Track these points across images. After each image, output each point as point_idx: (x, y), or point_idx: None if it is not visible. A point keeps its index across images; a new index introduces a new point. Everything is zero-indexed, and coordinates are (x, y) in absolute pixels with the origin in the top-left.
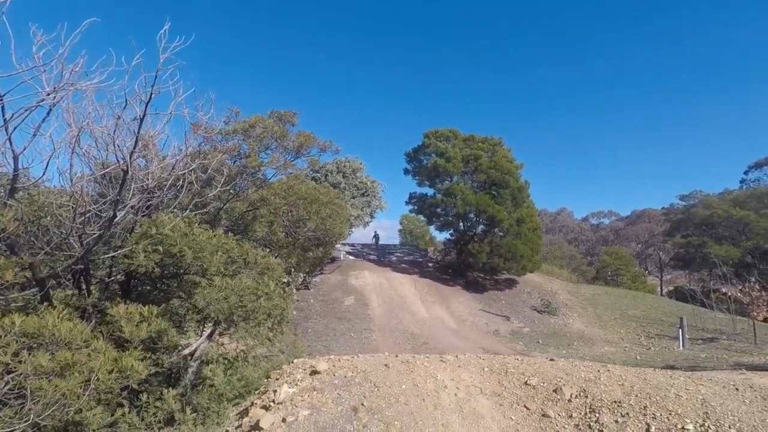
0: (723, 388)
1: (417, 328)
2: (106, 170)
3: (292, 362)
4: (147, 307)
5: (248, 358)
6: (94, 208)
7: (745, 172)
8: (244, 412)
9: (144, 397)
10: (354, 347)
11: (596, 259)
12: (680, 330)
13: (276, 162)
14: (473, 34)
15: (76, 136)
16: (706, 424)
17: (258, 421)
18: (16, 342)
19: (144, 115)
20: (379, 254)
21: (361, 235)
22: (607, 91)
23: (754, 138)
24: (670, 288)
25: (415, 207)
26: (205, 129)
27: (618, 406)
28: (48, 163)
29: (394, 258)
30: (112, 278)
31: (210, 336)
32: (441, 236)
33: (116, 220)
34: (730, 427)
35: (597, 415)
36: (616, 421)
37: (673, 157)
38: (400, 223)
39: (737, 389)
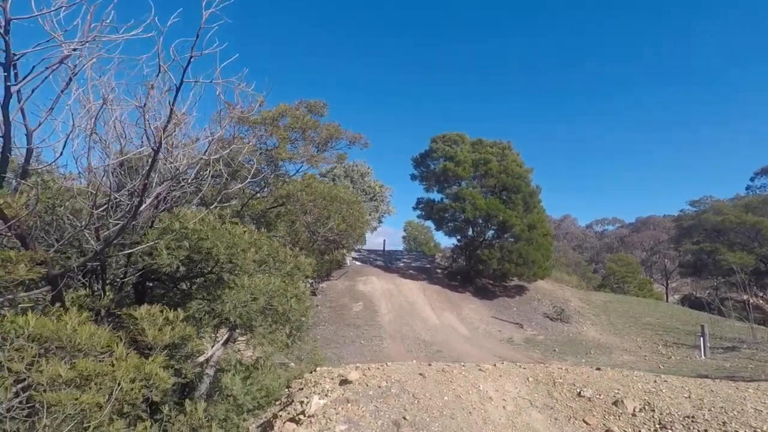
0: None
1: (428, 335)
2: (127, 156)
3: (315, 371)
4: (173, 310)
5: (266, 366)
6: (118, 195)
7: (752, 179)
8: (267, 425)
9: (165, 409)
10: (365, 355)
11: (601, 267)
12: (702, 338)
13: (305, 155)
14: (477, 36)
15: (98, 113)
16: None
17: None
18: (31, 347)
19: (181, 84)
20: (386, 260)
21: (368, 240)
22: (611, 96)
23: (760, 143)
24: (676, 296)
25: (423, 212)
26: (240, 110)
27: (692, 421)
28: (66, 142)
29: (402, 264)
30: (126, 278)
31: (226, 342)
32: (446, 243)
33: (142, 208)
34: None
35: (669, 431)
36: None
37: (678, 163)
38: (404, 230)
39: None
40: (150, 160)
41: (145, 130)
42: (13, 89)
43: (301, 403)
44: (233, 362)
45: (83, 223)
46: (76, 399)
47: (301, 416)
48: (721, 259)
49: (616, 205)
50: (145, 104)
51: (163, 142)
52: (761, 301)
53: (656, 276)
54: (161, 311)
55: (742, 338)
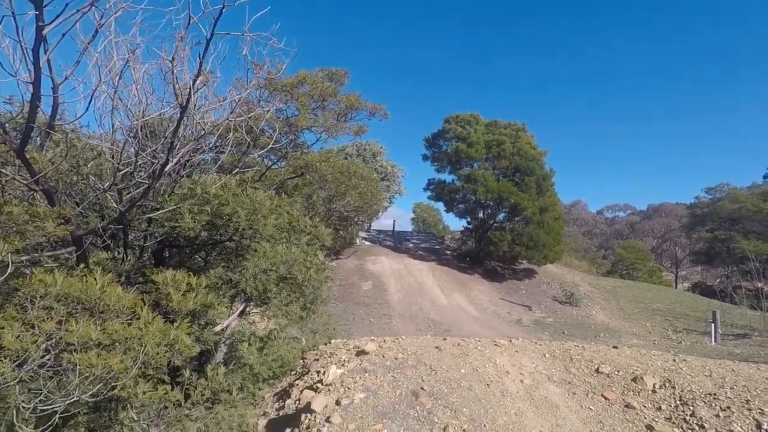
0: None
1: (437, 315)
2: (152, 116)
3: (329, 343)
4: (196, 277)
5: (281, 337)
6: (144, 154)
7: None
8: (284, 394)
9: (186, 373)
10: (375, 333)
11: (610, 253)
12: (713, 324)
13: (326, 123)
14: (495, 17)
15: (121, 70)
16: None
17: (309, 404)
18: (59, 308)
19: (212, 35)
20: (395, 240)
21: (377, 221)
22: (628, 79)
23: None
24: (686, 284)
25: (433, 193)
26: (268, 70)
27: (714, 398)
28: (91, 98)
29: (411, 245)
30: (147, 244)
31: (242, 313)
32: (455, 225)
33: (168, 168)
34: None
35: (691, 408)
36: (717, 416)
37: (694, 152)
38: (413, 212)
39: None
40: (178, 117)
41: (174, 85)
42: (45, 30)
43: (318, 372)
44: (248, 334)
45: (107, 184)
46: (107, 361)
47: (319, 385)
48: (736, 247)
49: (628, 191)
50: (173, 58)
51: (193, 96)
52: None
53: (666, 264)
54: (184, 277)
55: (754, 326)
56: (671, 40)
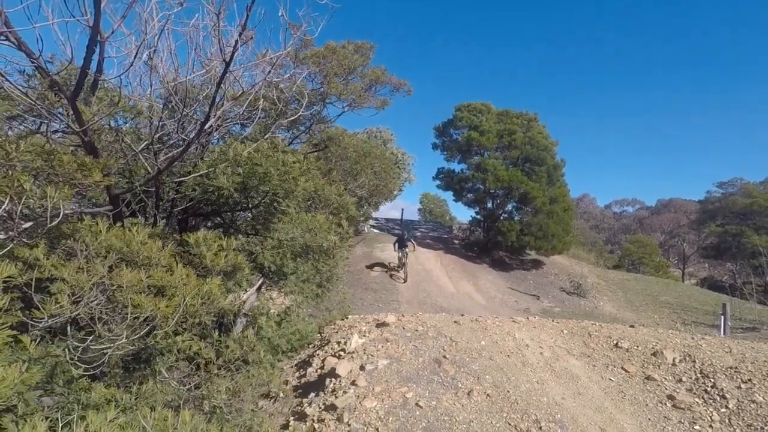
0: None
1: (445, 302)
2: (183, 80)
3: (346, 318)
4: (226, 239)
5: (298, 313)
6: (187, 111)
7: None
8: (304, 363)
9: (215, 334)
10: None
11: (617, 248)
12: (723, 317)
13: (354, 92)
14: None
15: (164, 25)
16: None
17: (333, 369)
18: (110, 255)
19: None
20: (403, 229)
21: (384, 210)
22: (641, 73)
23: None
24: (692, 281)
25: (442, 182)
26: (304, 33)
27: (735, 372)
28: (137, 53)
29: (419, 233)
30: (176, 209)
31: (259, 288)
32: (462, 216)
33: (208, 125)
34: None
35: (712, 380)
36: (738, 387)
37: (705, 146)
38: (420, 202)
39: None
40: (221, 73)
41: (219, 39)
42: None
43: (338, 343)
44: (265, 309)
45: (143, 144)
46: (156, 305)
47: (342, 353)
48: (746, 242)
49: (637, 186)
50: (219, 12)
51: (235, 53)
52: None
53: (674, 260)
54: (215, 238)
55: (763, 320)
56: (682, 34)
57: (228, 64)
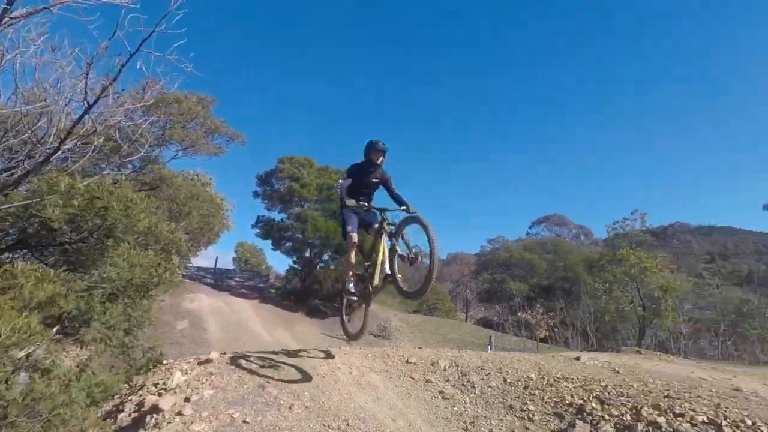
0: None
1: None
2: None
3: (161, 363)
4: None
5: (101, 362)
6: (30, 132)
7: (530, 227)
8: (115, 411)
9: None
10: None
11: None
12: (489, 347)
13: (194, 139)
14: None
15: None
16: (542, 374)
17: (155, 405)
18: None
19: (137, 50)
20: (216, 278)
21: (196, 258)
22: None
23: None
24: (472, 321)
25: (262, 231)
26: (161, 86)
27: (481, 369)
28: None
29: (234, 282)
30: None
31: (56, 334)
32: (279, 266)
33: (55, 156)
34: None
35: (467, 376)
36: (483, 379)
37: (480, 209)
38: (236, 251)
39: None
40: (81, 112)
41: (85, 84)
42: None
43: (155, 385)
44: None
45: None
46: None
47: (163, 391)
48: (507, 287)
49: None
50: (91, 62)
51: (111, 93)
52: (530, 317)
53: (459, 305)
54: (33, 269)
55: (515, 348)
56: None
57: (90, 106)
